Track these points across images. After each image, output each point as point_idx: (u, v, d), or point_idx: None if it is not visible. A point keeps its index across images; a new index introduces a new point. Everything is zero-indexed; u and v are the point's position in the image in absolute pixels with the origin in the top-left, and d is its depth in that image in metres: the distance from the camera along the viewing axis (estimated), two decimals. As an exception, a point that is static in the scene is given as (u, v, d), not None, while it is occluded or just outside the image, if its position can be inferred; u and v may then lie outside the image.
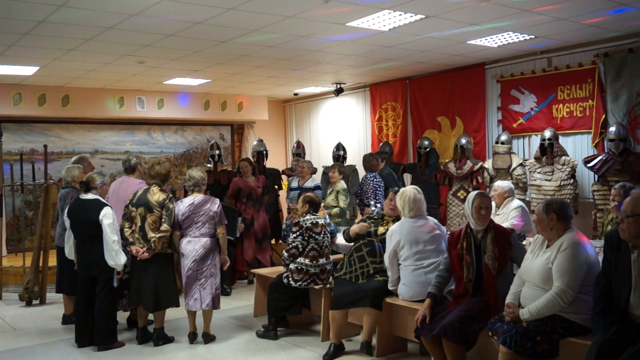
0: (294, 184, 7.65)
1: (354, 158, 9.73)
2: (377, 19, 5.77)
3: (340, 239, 5.65)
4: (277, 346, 5.14)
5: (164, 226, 5.05)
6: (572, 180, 6.92)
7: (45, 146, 7.98)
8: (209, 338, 5.27)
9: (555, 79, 7.56)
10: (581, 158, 7.02)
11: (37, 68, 7.71)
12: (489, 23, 6.07)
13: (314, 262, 5.16)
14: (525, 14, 5.73)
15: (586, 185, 7.22)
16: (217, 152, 8.52)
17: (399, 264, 4.59)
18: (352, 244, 5.05)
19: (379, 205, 6.79)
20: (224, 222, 5.29)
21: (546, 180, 7.01)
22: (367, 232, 4.94)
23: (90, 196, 5.18)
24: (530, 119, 7.88)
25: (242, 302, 6.74)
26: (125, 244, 5.18)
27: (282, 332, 5.43)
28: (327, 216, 5.79)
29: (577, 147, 7.40)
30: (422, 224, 4.61)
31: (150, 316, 5.38)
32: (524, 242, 4.86)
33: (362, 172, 7.90)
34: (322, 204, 6.05)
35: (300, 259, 5.16)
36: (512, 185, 5.86)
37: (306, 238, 5.16)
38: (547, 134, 7.10)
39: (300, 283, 5.14)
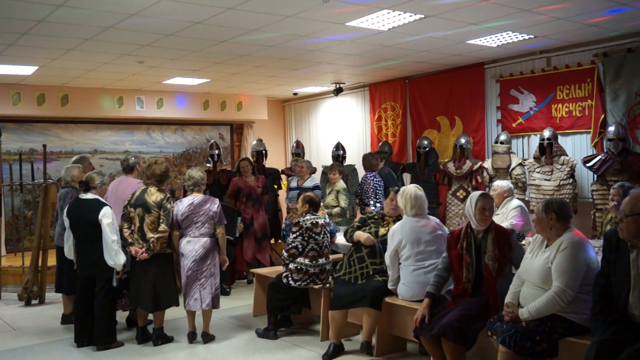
0: (293, 183, 7.66)
1: (354, 158, 9.74)
2: (376, 18, 5.77)
3: (339, 239, 5.65)
4: (277, 346, 5.14)
5: (162, 226, 5.05)
6: (571, 180, 6.93)
7: (44, 146, 7.97)
8: (208, 338, 5.27)
9: (555, 79, 7.56)
10: (580, 158, 7.02)
11: (36, 68, 7.71)
12: (488, 23, 6.07)
13: (314, 262, 5.16)
14: (524, 14, 5.73)
15: (585, 185, 7.22)
16: (217, 151, 8.53)
17: (400, 264, 4.59)
18: (352, 244, 5.05)
19: (378, 204, 6.80)
20: (223, 222, 5.29)
21: (545, 180, 7.01)
22: (368, 233, 4.93)
23: (89, 196, 5.18)
24: (530, 118, 7.88)
25: (242, 301, 6.74)
26: (125, 244, 5.18)
27: (281, 332, 5.43)
28: (327, 216, 5.79)
29: (576, 146, 7.41)
30: (424, 223, 4.60)
31: (150, 316, 5.38)
32: (522, 242, 4.87)
33: (361, 172, 7.90)
34: (322, 204, 6.04)
35: (300, 259, 5.16)
36: (512, 185, 5.86)
37: (306, 238, 5.16)
38: (547, 133, 7.11)
39: (299, 283, 5.14)
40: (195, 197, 5.24)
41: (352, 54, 7.58)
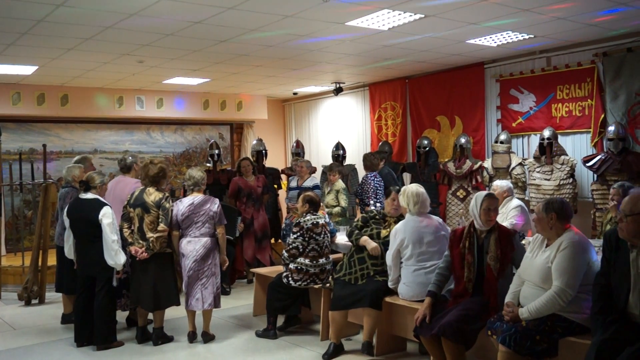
0: (293, 183, 7.66)
1: (354, 157, 9.74)
2: (376, 18, 5.77)
3: (339, 239, 5.65)
4: (277, 345, 5.14)
5: (161, 226, 5.05)
6: (571, 180, 6.93)
7: (44, 146, 7.97)
8: (208, 337, 5.27)
9: (555, 79, 7.56)
10: (580, 157, 7.02)
11: (36, 67, 7.71)
12: (488, 22, 6.07)
13: (314, 262, 5.16)
14: (524, 13, 5.73)
15: (585, 185, 7.22)
16: (217, 151, 8.52)
17: (401, 262, 4.58)
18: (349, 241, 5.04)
19: (378, 204, 6.79)
20: (223, 221, 5.29)
21: (545, 179, 7.01)
22: (370, 235, 4.91)
23: (89, 196, 5.18)
24: (530, 118, 7.88)
25: (242, 301, 6.74)
26: (124, 244, 5.18)
27: (281, 332, 5.43)
28: (327, 215, 5.79)
29: (576, 146, 7.41)
30: (427, 223, 4.59)
31: (150, 315, 5.38)
32: (522, 242, 4.87)
33: (361, 171, 7.90)
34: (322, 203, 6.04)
35: (300, 259, 5.16)
36: (511, 185, 5.86)
37: (307, 239, 5.15)
38: (546, 133, 7.11)
39: (299, 283, 5.14)
40: (196, 197, 5.24)
41: (352, 54, 7.58)
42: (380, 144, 9.33)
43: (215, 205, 5.23)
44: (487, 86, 8.41)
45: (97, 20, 5.52)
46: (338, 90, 10.26)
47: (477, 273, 4.00)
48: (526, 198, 7.23)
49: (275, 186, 8.91)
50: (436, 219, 4.72)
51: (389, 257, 4.65)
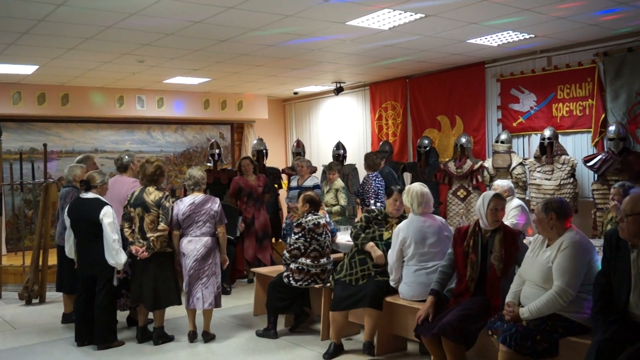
0: (294, 183, 7.66)
1: (354, 157, 9.73)
2: (376, 18, 5.76)
3: (340, 239, 5.64)
4: (277, 345, 5.14)
5: (161, 225, 5.05)
6: (571, 180, 6.92)
7: (44, 145, 7.96)
8: (208, 337, 5.27)
9: (555, 78, 7.55)
10: (581, 157, 7.01)
11: (37, 67, 7.71)
12: (488, 22, 6.07)
13: (315, 262, 5.15)
14: (525, 13, 5.73)
15: (586, 185, 7.22)
16: (217, 151, 8.52)
17: (403, 261, 4.58)
18: (353, 243, 5.03)
19: (379, 204, 6.79)
20: (224, 221, 5.29)
21: (546, 179, 7.01)
22: (372, 237, 4.89)
23: (90, 195, 5.18)
24: (530, 118, 7.88)
25: (242, 301, 6.74)
26: (125, 244, 5.18)
27: (282, 331, 5.43)
28: (327, 215, 5.79)
29: (577, 146, 7.40)
30: (430, 223, 4.58)
31: (150, 315, 5.38)
32: (524, 241, 4.86)
33: (361, 171, 7.90)
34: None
35: (302, 259, 5.15)
36: (512, 185, 5.86)
37: (308, 239, 5.14)
38: (547, 133, 7.10)
39: (300, 283, 5.14)
40: (196, 197, 5.24)
41: (352, 54, 7.58)
42: (380, 143, 9.33)
43: (216, 204, 5.23)
44: (487, 86, 8.41)
45: (98, 20, 5.52)
46: (338, 90, 10.26)
47: (480, 272, 4.00)
48: (527, 198, 7.23)
49: (276, 186, 8.90)
50: (439, 219, 4.70)
51: (391, 256, 4.63)
